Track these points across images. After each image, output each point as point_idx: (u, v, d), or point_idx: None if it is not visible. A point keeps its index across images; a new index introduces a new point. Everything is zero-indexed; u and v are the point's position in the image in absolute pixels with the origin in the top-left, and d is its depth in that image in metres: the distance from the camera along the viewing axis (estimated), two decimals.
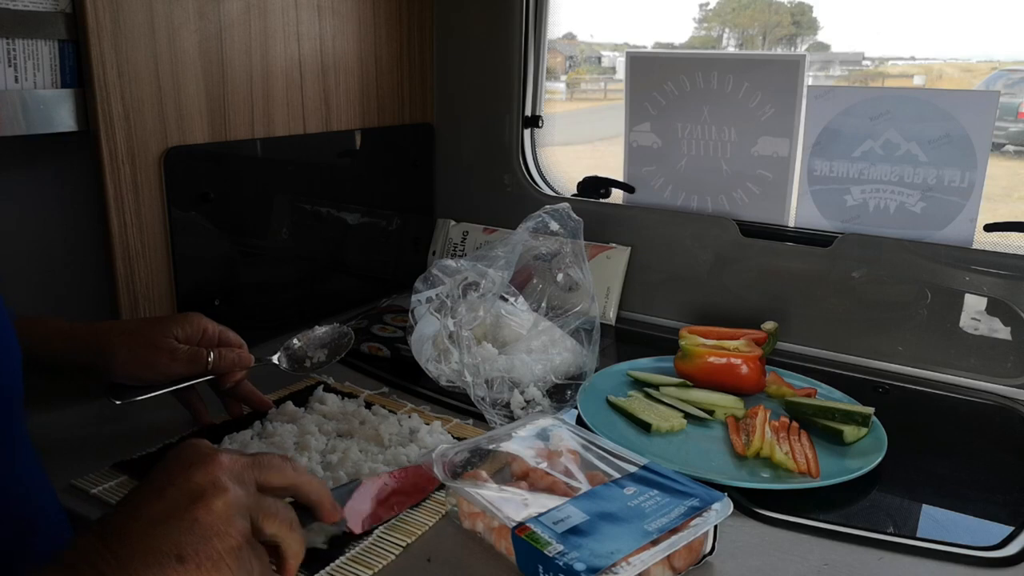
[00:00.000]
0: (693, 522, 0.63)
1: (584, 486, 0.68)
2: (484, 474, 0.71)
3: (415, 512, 0.72)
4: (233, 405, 0.88)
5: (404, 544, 0.67)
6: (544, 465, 0.72)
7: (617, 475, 0.70)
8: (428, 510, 0.73)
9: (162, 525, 0.45)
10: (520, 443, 0.76)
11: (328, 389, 0.95)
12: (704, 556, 0.66)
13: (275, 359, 0.91)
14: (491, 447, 0.76)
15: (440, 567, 0.65)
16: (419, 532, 0.69)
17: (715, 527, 0.66)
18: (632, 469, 0.71)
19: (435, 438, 0.84)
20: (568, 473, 0.70)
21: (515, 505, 0.65)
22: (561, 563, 0.57)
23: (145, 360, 0.78)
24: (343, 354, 0.94)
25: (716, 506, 0.65)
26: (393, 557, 0.66)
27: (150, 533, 0.45)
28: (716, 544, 0.66)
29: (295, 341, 0.93)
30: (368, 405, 0.92)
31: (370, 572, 0.64)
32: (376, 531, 0.69)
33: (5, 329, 0.57)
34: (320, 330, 0.95)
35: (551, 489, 0.68)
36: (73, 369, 0.78)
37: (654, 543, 0.60)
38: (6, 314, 0.58)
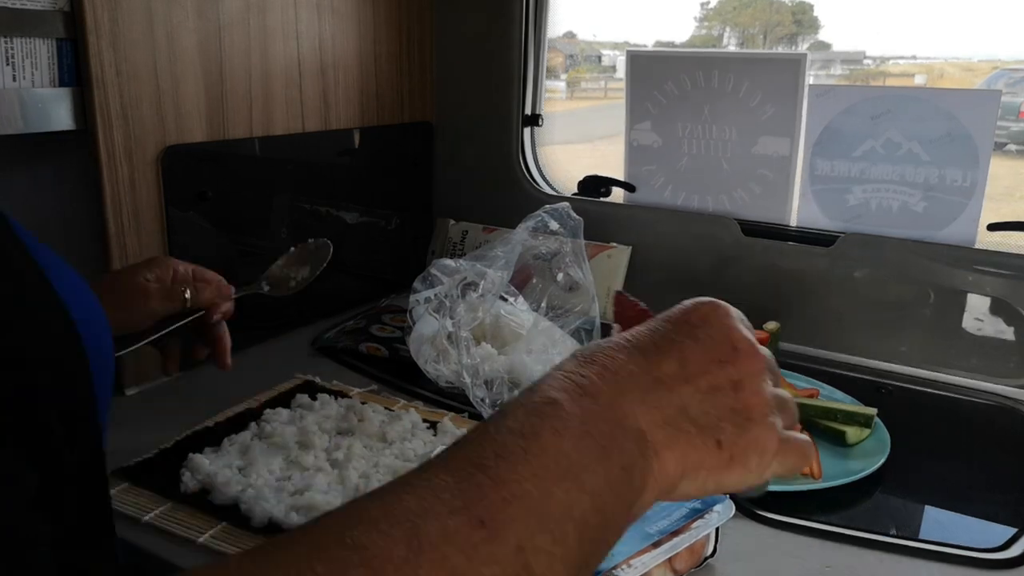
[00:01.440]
0: (694, 524, 0.62)
1: None
2: None
3: None
4: (197, 348, 0.83)
5: None
6: None
7: None
8: None
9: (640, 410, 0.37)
10: None
11: (318, 388, 0.95)
12: (706, 558, 0.66)
13: (259, 287, 0.88)
14: None
15: None
16: None
17: (717, 529, 0.65)
18: None
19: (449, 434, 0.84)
20: None
21: None
22: None
23: (119, 303, 0.74)
24: (325, 265, 0.92)
25: (718, 508, 0.65)
26: None
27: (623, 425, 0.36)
28: (718, 546, 0.66)
29: (274, 266, 0.91)
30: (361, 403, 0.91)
31: None
32: None
33: (94, 307, 0.53)
34: (296, 248, 0.93)
35: None
36: None
37: (655, 545, 0.60)
38: (89, 289, 0.53)
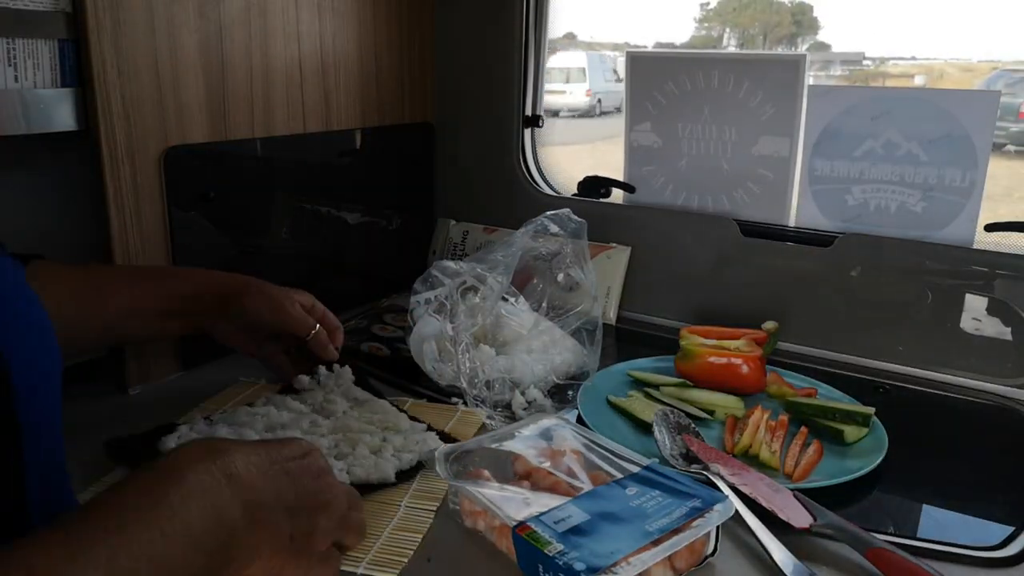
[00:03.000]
0: (695, 523, 0.63)
1: (587, 486, 0.68)
2: (487, 473, 0.71)
3: (418, 511, 0.73)
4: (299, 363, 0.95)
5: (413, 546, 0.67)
6: (547, 465, 0.72)
7: (620, 475, 0.70)
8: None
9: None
10: (524, 442, 0.76)
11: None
12: (706, 557, 0.66)
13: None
14: (494, 446, 0.76)
15: (441, 566, 0.66)
16: (422, 533, 0.69)
17: (718, 528, 0.65)
18: (635, 469, 0.71)
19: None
20: (571, 473, 0.70)
21: (517, 504, 0.65)
22: (561, 563, 0.57)
23: (272, 306, 0.89)
24: None
25: (718, 507, 0.65)
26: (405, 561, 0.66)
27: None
28: (719, 545, 0.66)
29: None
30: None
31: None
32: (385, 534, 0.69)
33: (46, 330, 0.54)
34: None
35: (553, 489, 0.68)
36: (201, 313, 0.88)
37: (655, 543, 0.60)
38: (42, 309, 0.54)
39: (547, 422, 0.81)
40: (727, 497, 0.67)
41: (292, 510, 0.49)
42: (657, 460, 0.74)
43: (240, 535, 0.45)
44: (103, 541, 0.39)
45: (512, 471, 0.73)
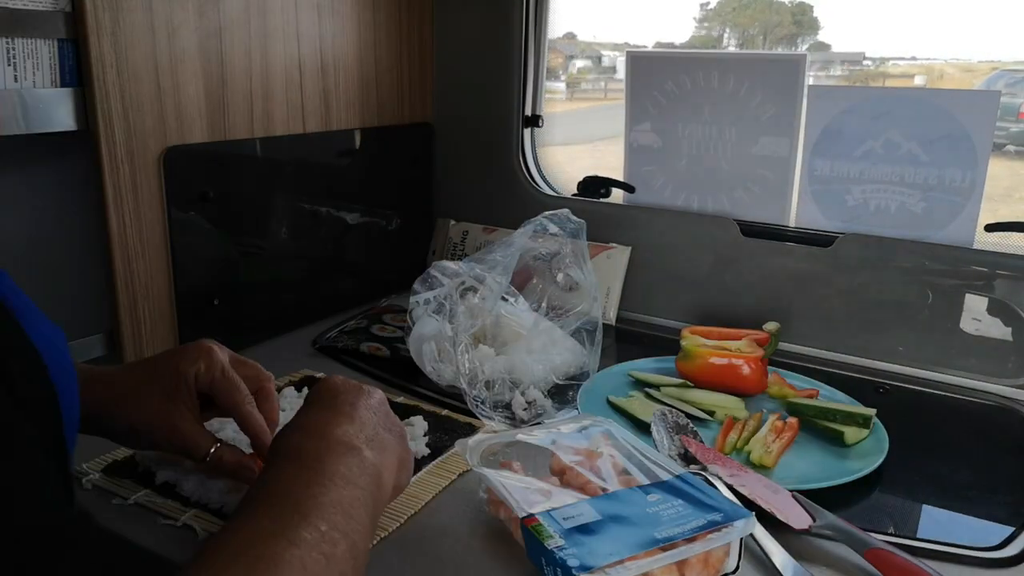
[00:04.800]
0: (710, 535, 0.61)
1: (613, 489, 0.68)
2: (516, 465, 0.72)
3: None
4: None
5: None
6: (581, 464, 0.72)
7: (647, 481, 0.69)
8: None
9: (342, 434, 0.59)
10: (561, 440, 0.76)
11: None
12: (727, 573, 0.64)
13: None
14: (531, 440, 0.76)
15: (455, 549, 0.68)
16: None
17: (741, 545, 0.64)
18: (665, 477, 0.69)
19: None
20: (602, 475, 0.70)
21: (535, 497, 0.66)
22: (558, 556, 0.57)
23: (168, 394, 0.68)
24: None
25: (738, 523, 0.63)
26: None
27: (337, 443, 0.58)
28: (740, 563, 0.64)
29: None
30: None
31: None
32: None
33: (70, 378, 0.53)
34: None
35: (583, 489, 0.68)
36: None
37: (662, 550, 0.59)
38: (69, 357, 0.55)
39: (587, 421, 0.81)
40: (751, 514, 0.64)
41: (382, 425, 0.63)
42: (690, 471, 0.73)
43: (378, 469, 0.58)
44: (296, 509, 0.48)
45: (548, 467, 0.74)
